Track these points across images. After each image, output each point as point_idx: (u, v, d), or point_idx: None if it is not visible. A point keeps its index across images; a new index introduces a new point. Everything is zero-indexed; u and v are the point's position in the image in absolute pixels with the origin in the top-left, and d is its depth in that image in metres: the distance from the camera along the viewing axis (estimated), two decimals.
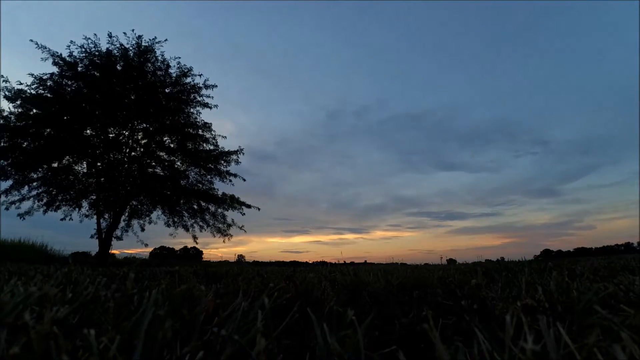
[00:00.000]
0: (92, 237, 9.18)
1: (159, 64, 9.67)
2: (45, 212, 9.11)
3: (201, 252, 25.69)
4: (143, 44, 9.47)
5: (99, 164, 9.32)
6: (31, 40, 8.83)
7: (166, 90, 9.79)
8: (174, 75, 9.84)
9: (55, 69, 8.98)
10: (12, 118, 8.43)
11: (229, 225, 10.33)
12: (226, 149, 10.26)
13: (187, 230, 10.20)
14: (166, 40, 9.67)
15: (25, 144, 8.47)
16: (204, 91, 10.09)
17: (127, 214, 9.89)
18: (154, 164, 9.94)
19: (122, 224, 9.75)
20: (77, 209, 9.43)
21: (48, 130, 8.68)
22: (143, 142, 9.92)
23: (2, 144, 8.24)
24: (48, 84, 8.81)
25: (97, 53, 9.26)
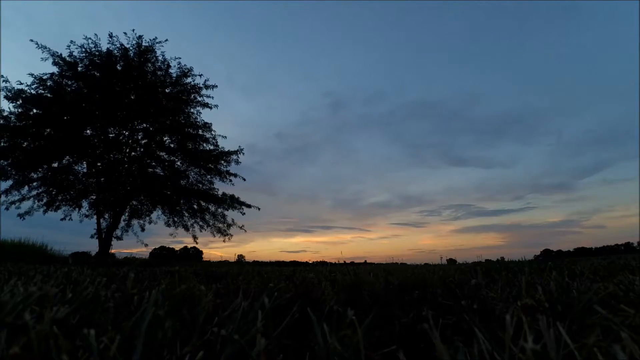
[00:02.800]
0: (92, 237, 9.19)
1: (159, 64, 9.68)
2: (45, 212, 9.12)
3: (201, 252, 25.69)
4: (143, 44, 9.47)
5: (99, 164, 9.31)
6: (31, 40, 8.84)
7: (166, 90, 9.79)
8: (174, 75, 9.84)
9: (55, 69, 8.99)
10: (12, 118, 8.43)
11: (229, 225, 10.34)
12: (226, 149, 10.27)
13: (187, 230, 10.21)
14: (167, 40, 9.68)
15: (25, 144, 8.46)
16: (204, 91, 10.11)
17: (127, 214, 9.89)
18: (154, 164, 9.93)
19: (122, 224, 9.75)
20: (77, 209, 9.43)
21: (48, 130, 8.67)
22: (143, 142, 9.92)
23: (2, 144, 8.23)
24: (48, 84, 8.80)
25: (97, 53, 9.26)
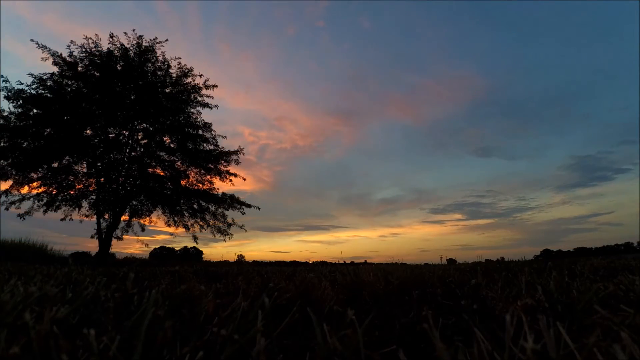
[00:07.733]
0: (92, 237, 9.19)
1: (159, 64, 9.69)
2: (45, 212, 9.11)
3: (201, 252, 25.64)
4: (144, 44, 9.49)
5: (99, 164, 9.31)
6: (32, 40, 8.85)
7: (166, 91, 9.80)
8: (174, 75, 9.86)
9: (55, 69, 8.99)
10: (12, 118, 8.42)
11: (229, 225, 10.36)
12: (226, 149, 10.30)
13: (188, 230, 10.23)
14: (167, 40, 9.71)
15: (25, 144, 8.46)
16: (204, 91, 10.13)
17: (127, 214, 9.90)
18: (154, 164, 9.94)
19: (122, 224, 9.75)
20: (77, 209, 9.43)
21: (48, 130, 8.67)
22: (143, 142, 9.93)
23: (2, 144, 8.23)
24: (48, 84, 8.80)
25: (97, 53, 9.26)
